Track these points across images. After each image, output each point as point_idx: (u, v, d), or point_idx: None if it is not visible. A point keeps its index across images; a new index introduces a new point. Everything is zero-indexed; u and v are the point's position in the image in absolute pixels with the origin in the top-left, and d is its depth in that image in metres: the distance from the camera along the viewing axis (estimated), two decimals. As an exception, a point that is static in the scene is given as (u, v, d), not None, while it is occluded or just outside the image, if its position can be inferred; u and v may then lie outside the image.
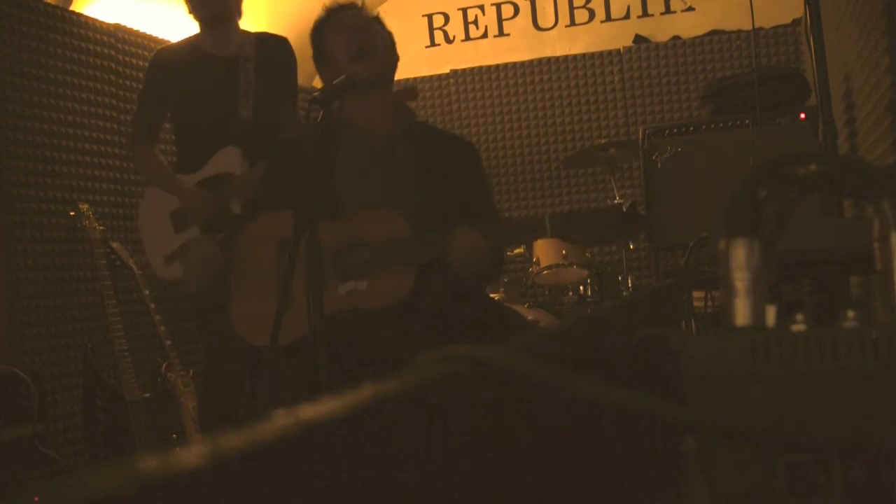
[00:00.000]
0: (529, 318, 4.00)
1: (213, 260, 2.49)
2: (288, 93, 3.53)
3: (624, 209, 2.14)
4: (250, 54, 3.47)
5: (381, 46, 2.52)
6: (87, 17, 4.15)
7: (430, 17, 6.03)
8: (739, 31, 5.42)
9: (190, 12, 3.49)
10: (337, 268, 2.39)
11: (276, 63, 3.50)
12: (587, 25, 5.84)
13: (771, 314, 0.74)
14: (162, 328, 3.74)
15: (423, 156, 2.53)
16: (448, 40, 5.93)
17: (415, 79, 5.83)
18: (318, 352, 2.06)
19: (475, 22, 6.00)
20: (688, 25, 5.62)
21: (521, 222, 2.28)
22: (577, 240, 2.29)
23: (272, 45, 3.55)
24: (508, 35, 5.97)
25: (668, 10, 5.70)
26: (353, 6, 2.57)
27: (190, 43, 3.55)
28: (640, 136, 4.09)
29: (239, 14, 3.56)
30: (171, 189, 3.48)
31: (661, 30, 5.68)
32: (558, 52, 5.82)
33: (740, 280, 0.74)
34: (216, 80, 3.40)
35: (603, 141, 4.64)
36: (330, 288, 2.34)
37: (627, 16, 5.76)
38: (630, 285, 4.33)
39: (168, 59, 3.52)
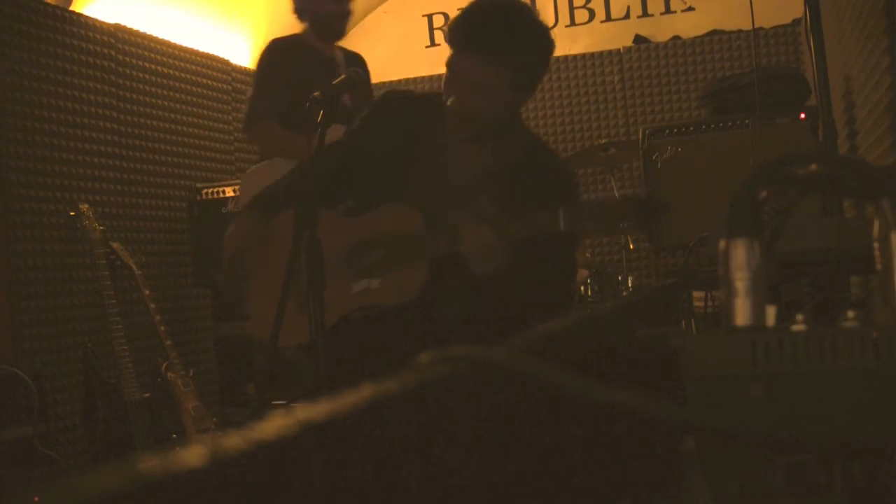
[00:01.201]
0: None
1: (252, 233, 2.44)
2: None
3: (644, 196, 2.07)
4: (341, 60, 4.00)
5: (482, 110, 2.27)
6: (87, 17, 4.15)
7: (430, 17, 6.03)
8: (739, 31, 5.41)
9: (307, 19, 3.99)
10: (350, 265, 2.35)
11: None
12: (587, 25, 5.83)
13: (771, 314, 0.74)
14: (162, 328, 3.74)
15: (510, 183, 2.35)
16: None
17: (415, 79, 5.83)
18: (319, 351, 2.05)
19: (475, 22, 6.00)
20: (688, 25, 5.62)
21: (532, 216, 2.21)
22: (594, 230, 2.19)
23: (357, 58, 4.14)
24: (508, 35, 5.96)
25: (668, 10, 5.70)
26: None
27: (299, 37, 4.01)
28: (640, 136, 4.08)
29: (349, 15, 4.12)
30: (302, 150, 3.85)
31: (661, 30, 5.68)
32: (558, 52, 5.80)
33: (740, 280, 0.74)
34: (319, 68, 3.84)
35: (603, 141, 4.63)
36: (344, 286, 2.31)
37: (627, 16, 5.76)
38: (630, 285, 4.33)
39: (284, 46, 3.96)
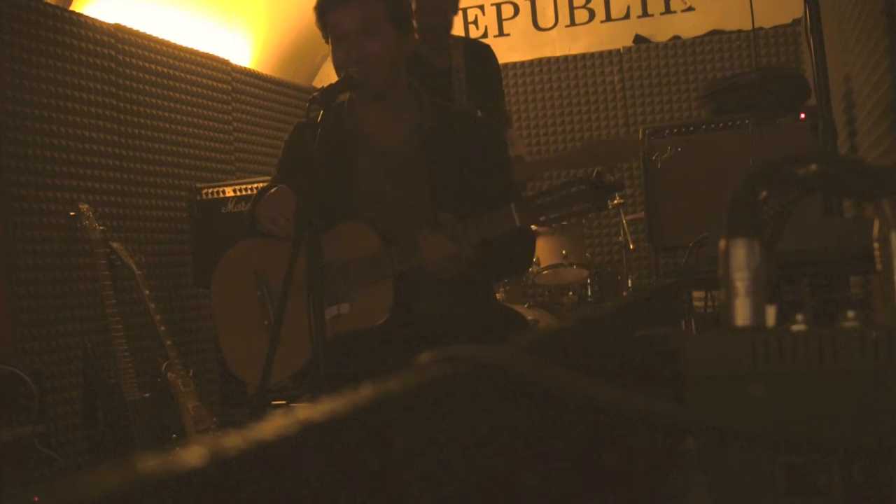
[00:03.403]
0: (529, 318, 4.00)
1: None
2: (494, 97, 3.97)
3: (593, 176, 2.09)
4: (460, 64, 3.87)
5: (377, 53, 2.35)
6: (87, 17, 4.15)
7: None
8: (739, 31, 5.42)
9: (418, 31, 3.82)
10: None
11: (484, 70, 3.91)
12: (587, 25, 5.84)
13: (771, 314, 0.74)
14: (162, 328, 3.74)
15: (439, 152, 2.42)
16: (448, 40, 5.94)
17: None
18: (318, 352, 2.04)
19: (475, 22, 6.00)
20: (688, 25, 5.62)
21: (486, 216, 2.21)
22: (551, 221, 2.19)
23: (480, 54, 4.00)
24: (508, 35, 5.96)
25: (668, 10, 5.70)
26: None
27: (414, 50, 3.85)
28: (640, 136, 4.08)
29: (451, 26, 3.98)
30: None
31: (661, 30, 5.68)
32: (558, 52, 5.82)
33: (740, 280, 0.74)
34: (430, 81, 3.57)
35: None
36: None
37: (627, 16, 5.76)
38: (630, 285, 4.33)
39: None
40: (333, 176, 2.41)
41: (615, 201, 4.52)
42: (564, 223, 4.26)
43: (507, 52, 5.89)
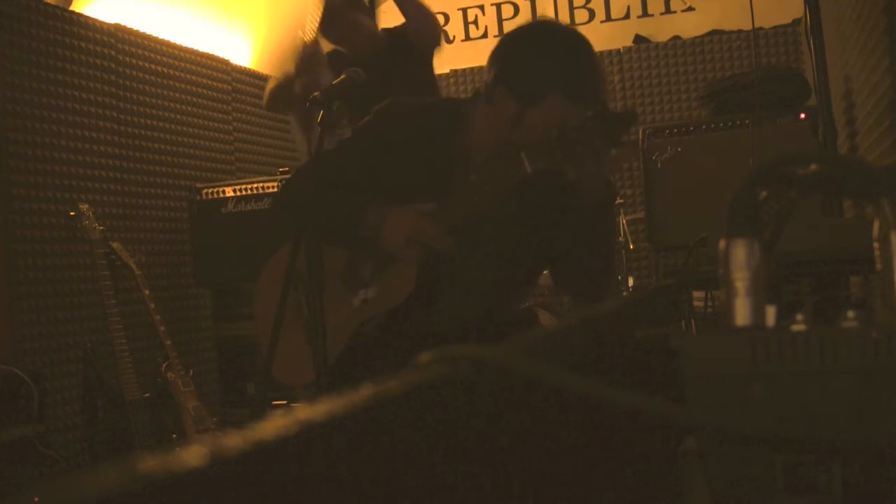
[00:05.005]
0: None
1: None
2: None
3: (605, 112, 2.00)
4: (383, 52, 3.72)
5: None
6: (87, 17, 4.15)
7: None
8: (739, 31, 5.42)
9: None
10: (346, 282, 2.33)
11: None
12: (587, 25, 5.84)
13: (771, 314, 0.74)
14: (162, 328, 3.74)
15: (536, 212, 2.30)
16: (448, 40, 5.93)
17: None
18: (319, 350, 2.05)
19: (475, 22, 6.00)
20: (688, 25, 5.62)
21: (498, 168, 2.15)
22: (568, 159, 2.06)
23: (399, 35, 3.77)
24: (508, 35, 5.97)
25: (668, 10, 5.70)
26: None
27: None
28: (640, 136, 4.08)
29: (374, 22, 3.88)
30: None
31: (661, 30, 5.68)
32: (558, 52, 5.82)
33: (740, 280, 0.74)
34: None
35: (603, 141, 4.62)
36: (345, 303, 2.29)
37: (627, 16, 5.76)
38: (630, 285, 4.33)
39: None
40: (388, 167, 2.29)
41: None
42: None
43: (507, 52, 5.89)
